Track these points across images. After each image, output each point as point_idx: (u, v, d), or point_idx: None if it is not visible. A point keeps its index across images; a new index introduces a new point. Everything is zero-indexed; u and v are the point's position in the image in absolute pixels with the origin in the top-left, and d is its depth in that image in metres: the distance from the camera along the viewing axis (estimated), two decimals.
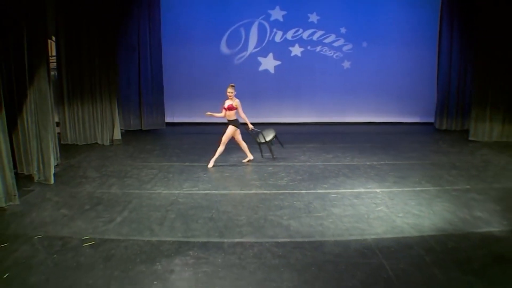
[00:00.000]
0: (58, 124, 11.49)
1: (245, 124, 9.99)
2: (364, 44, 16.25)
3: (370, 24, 16.06)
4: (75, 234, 6.04)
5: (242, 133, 10.07)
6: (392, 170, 9.59)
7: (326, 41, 16.20)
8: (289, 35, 16.12)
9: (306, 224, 6.48)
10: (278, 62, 16.26)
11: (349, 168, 9.72)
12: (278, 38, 16.12)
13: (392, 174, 9.26)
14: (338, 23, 16.09)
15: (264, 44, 16.14)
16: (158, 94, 14.85)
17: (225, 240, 5.89)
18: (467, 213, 6.93)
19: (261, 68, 16.29)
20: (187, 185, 8.42)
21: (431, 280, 4.86)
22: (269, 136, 10.43)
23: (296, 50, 16.21)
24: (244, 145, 10.12)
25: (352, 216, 6.78)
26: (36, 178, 8.59)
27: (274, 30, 16.06)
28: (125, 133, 13.43)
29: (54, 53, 12.24)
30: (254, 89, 15.93)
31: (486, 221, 6.66)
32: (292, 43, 16.19)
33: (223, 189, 8.32)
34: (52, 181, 8.50)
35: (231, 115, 9.79)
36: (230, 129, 9.77)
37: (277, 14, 15.97)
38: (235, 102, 9.72)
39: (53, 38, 12.07)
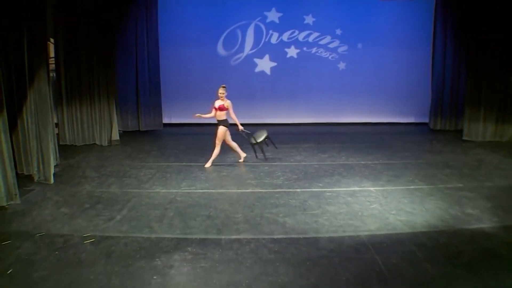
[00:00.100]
0: (56, 125, 11.58)
1: (235, 125, 10.06)
2: (359, 46, 16.46)
3: (365, 26, 16.24)
4: (76, 232, 6.17)
5: (232, 134, 10.19)
6: (386, 169, 9.75)
7: (322, 42, 16.39)
8: (285, 36, 16.30)
9: (301, 221, 6.63)
10: (274, 64, 16.43)
11: (344, 168, 9.88)
12: (274, 39, 16.29)
13: (386, 173, 9.42)
14: (334, 24, 16.28)
15: (260, 45, 16.31)
16: (155, 95, 14.97)
17: (223, 237, 6.04)
18: (459, 210, 7.09)
19: (257, 69, 16.45)
20: (185, 184, 8.55)
21: (422, 274, 5.01)
22: (261, 137, 10.48)
23: (292, 52, 16.39)
24: (234, 145, 10.21)
25: (346, 214, 6.93)
26: (36, 178, 8.69)
27: (270, 31, 16.23)
28: (123, 134, 13.55)
29: (52, 55, 12.35)
30: (250, 90, 16.15)
31: (477, 218, 6.81)
32: (288, 44, 16.37)
33: (220, 188, 8.46)
34: (52, 181, 8.61)
35: (222, 115, 9.86)
36: (221, 129, 9.85)
37: (273, 16, 16.14)
38: (227, 103, 9.81)
39: (51, 40, 12.16)
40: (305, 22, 16.24)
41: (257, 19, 16.15)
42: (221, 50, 16.23)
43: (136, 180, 8.85)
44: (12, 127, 8.13)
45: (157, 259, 5.33)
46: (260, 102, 16.27)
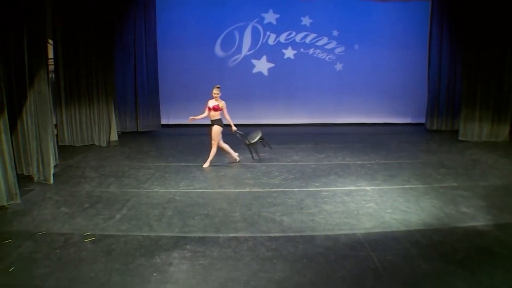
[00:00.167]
0: (55, 125, 11.63)
1: (229, 125, 10.13)
2: (356, 47, 16.57)
3: (361, 27, 16.34)
4: (76, 231, 6.25)
5: (227, 134, 10.26)
6: (382, 169, 9.86)
7: (319, 43, 16.50)
8: (282, 38, 16.39)
9: (298, 220, 6.74)
10: (272, 65, 16.52)
11: (341, 167, 9.98)
12: (271, 41, 16.39)
13: (382, 172, 9.53)
14: (330, 26, 16.39)
15: (257, 46, 16.40)
16: (153, 96, 15.03)
17: (221, 235, 6.14)
18: (454, 209, 7.20)
19: (254, 70, 16.55)
20: (184, 184, 8.65)
21: (416, 270, 5.13)
22: (255, 138, 10.51)
23: (289, 53, 16.49)
24: (225, 147, 10.24)
25: (343, 212, 7.04)
26: (35, 178, 8.75)
27: (268, 33, 16.33)
28: (122, 135, 13.61)
29: (51, 56, 12.41)
30: (248, 91, 16.25)
31: (472, 216, 6.92)
32: (285, 45, 16.46)
33: (218, 188, 8.56)
34: (52, 181, 8.68)
35: (216, 115, 9.92)
36: (216, 129, 9.91)
37: (270, 17, 16.23)
38: (221, 103, 9.87)
39: (50, 41, 12.22)
40: (302, 23, 16.34)
41: (254, 21, 16.25)
42: (219, 51, 16.31)
43: (135, 180, 8.94)
44: (12, 127, 8.15)
45: (156, 257, 5.42)
46: (258, 103, 16.36)
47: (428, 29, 15.84)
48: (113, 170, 9.73)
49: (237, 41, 16.33)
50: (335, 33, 16.43)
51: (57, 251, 5.59)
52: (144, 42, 14.62)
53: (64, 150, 11.38)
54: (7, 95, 7.39)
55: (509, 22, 12.68)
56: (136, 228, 6.38)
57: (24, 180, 8.52)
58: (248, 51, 16.42)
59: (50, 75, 10.94)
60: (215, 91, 9.85)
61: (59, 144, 11.80)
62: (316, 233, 6.21)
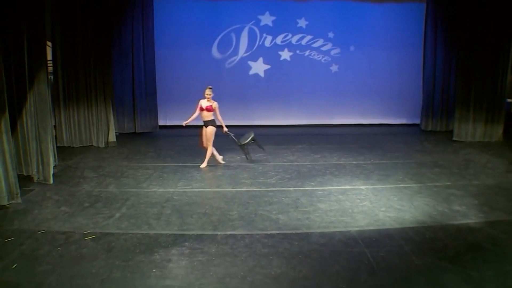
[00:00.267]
0: (54, 126, 11.69)
1: (221, 126, 10.20)
2: (352, 48, 16.67)
3: (357, 29, 16.45)
4: (77, 229, 6.37)
5: (219, 136, 10.30)
6: (377, 168, 10.01)
7: (315, 45, 16.60)
8: (279, 39, 16.48)
9: (294, 218, 6.88)
10: (268, 66, 16.61)
11: (336, 167, 10.13)
12: (268, 42, 16.48)
13: (377, 172, 9.68)
14: (326, 28, 16.49)
15: (254, 48, 16.49)
16: (151, 97, 15.11)
17: (218, 233, 6.28)
18: (446, 207, 7.37)
19: (251, 72, 16.64)
20: (181, 184, 8.77)
21: (409, 266, 5.28)
22: (247, 139, 10.54)
23: (286, 55, 16.59)
24: (212, 149, 10.26)
25: (337, 211, 7.18)
26: (35, 179, 8.81)
27: (264, 35, 16.42)
28: (119, 136, 13.65)
29: (49, 58, 12.47)
30: (244, 92, 16.36)
31: (464, 214, 7.09)
32: (281, 47, 16.55)
33: (215, 187, 8.68)
34: (51, 181, 8.77)
35: (209, 116, 9.99)
36: (211, 129, 10.00)
37: (266, 19, 16.33)
38: (214, 104, 9.95)
39: (48, 43, 12.30)
40: (298, 25, 16.44)
41: (251, 23, 16.35)
42: (215, 53, 16.41)
43: (134, 180, 9.05)
44: (12, 128, 8.20)
45: (156, 254, 5.56)
46: (254, 104, 16.46)
47: (423, 30, 16.00)
48: (112, 171, 9.83)
49: (233, 43, 16.43)
50: (330, 35, 16.54)
51: (59, 248, 5.70)
52: (142, 44, 14.69)
53: (62, 151, 11.44)
54: (7, 96, 7.47)
55: (501, 24, 12.85)
56: (136, 226, 6.50)
57: (24, 180, 8.57)
58: (245, 53, 16.52)
59: (49, 77, 11.04)
60: (208, 91, 9.92)
61: (58, 145, 11.81)
62: (311, 231, 6.36)
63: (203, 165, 10.10)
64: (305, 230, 6.38)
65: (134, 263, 5.30)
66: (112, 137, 12.73)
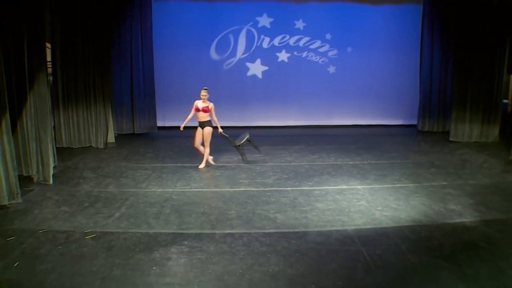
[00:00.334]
0: (53, 127, 11.72)
1: (216, 127, 10.26)
2: (349, 50, 16.81)
3: (354, 30, 16.59)
4: (77, 228, 6.44)
5: (213, 136, 10.30)
6: (374, 169, 10.09)
7: (312, 47, 16.74)
8: (276, 41, 16.60)
9: (292, 217, 6.96)
10: (266, 68, 16.73)
11: (333, 168, 10.21)
12: (265, 44, 16.59)
13: (374, 172, 9.77)
14: (323, 29, 16.63)
15: (252, 50, 16.61)
16: (150, 98, 15.18)
17: (217, 232, 6.35)
18: (442, 206, 7.45)
19: (249, 73, 16.75)
20: (180, 184, 8.84)
21: (405, 263, 5.36)
22: (242, 139, 10.61)
23: (283, 56, 16.71)
24: (202, 149, 10.25)
25: (334, 210, 7.26)
26: (35, 179, 8.86)
27: (262, 36, 16.53)
28: (118, 137, 13.70)
29: (49, 59, 12.52)
30: (242, 93, 16.47)
31: (459, 213, 7.17)
32: (279, 49, 16.68)
33: (214, 187, 8.76)
34: (51, 181, 8.82)
35: (205, 116, 10.05)
36: (208, 129, 10.05)
37: (264, 21, 16.44)
38: (210, 105, 10.02)
39: (48, 45, 12.34)
40: (296, 27, 16.57)
41: (248, 24, 16.45)
42: (214, 55, 16.50)
43: (133, 180, 9.12)
44: (12, 129, 8.24)
45: (155, 252, 5.63)
46: (252, 105, 16.57)
47: (420, 31, 16.12)
48: (111, 171, 9.90)
49: (231, 45, 16.52)
50: (328, 36, 16.66)
51: (59, 247, 5.77)
52: (140, 45, 14.76)
53: (61, 152, 11.49)
54: (7, 97, 7.53)
55: (497, 25, 12.95)
56: (135, 226, 6.57)
57: (24, 180, 8.60)
58: (243, 54, 16.62)
59: (48, 78, 11.08)
60: (203, 92, 9.97)
61: (57, 146, 11.85)
62: (309, 229, 6.44)
63: (202, 165, 10.18)
64: (302, 229, 6.46)
65: (134, 261, 5.37)
66: (111, 138, 12.79)
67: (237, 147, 10.64)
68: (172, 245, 5.84)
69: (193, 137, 10.20)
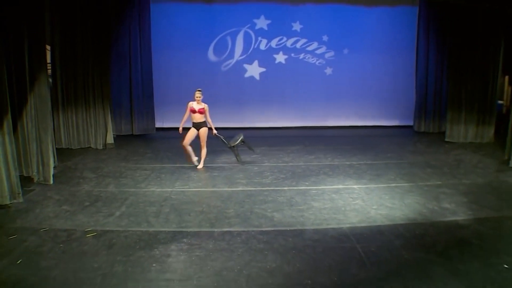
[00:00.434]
0: (53, 128, 11.83)
1: (210, 128, 10.36)
2: (346, 51, 16.87)
3: (351, 32, 16.66)
4: (78, 227, 6.57)
5: (208, 137, 10.40)
6: (370, 169, 10.23)
7: (309, 48, 16.80)
8: (274, 43, 16.67)
9: (289, 215, 7.11)
10: (263, 69, 16.80)
11: (330, 168, 10.35)
12: (263, 46, 16.66)
13: (370, 172, 9.91)
14: (320, 31, 16.69)
15: (249, 52, 16.67)
16: (148, 100, 15.20)
17: (215, 230, 6.50)
18: (436, 205, 7.62)
19: (246, 75, 16.83)
20: (179, 184, 8.97)
21: (399, 260, 5.52)
22: (236, 140, 10.67)
23: (280, 58, 16.78)
24: (189, 149, 10.31)
25: (331, 209, 7.41)
26: (35, 179, 8.95)
27: (259, 38, 16.60)
28: (117, 138, 13.72)
29: (48, 60, 12.57)
30: (240, 95, 16.54)
31: (453, 211, 7.33)
32: (276, 50, 16.74)
33: (212, 187, 8.88)
34: (52, 181, 8.91)
35: (201, 118, 10.17)
36: (205, 130, 10.19)
37: (262, 23, 16.51)
38: (206, 106, 10.15)
39: (47, 47, 12.41)
40: (293, 29, 16.64)
41: (246, 26, 16.52)
42: (211, 56, 16.58)
43: (132, 180, 9.24)
44: (13, 129, 8.30)
45: (155, 249, 5.77)
46: (250, 107, 16.64)
47: (415, 33, 16.21)
48: (111, 171, 10.00)
49: (229, 46, 16.60)
50: (325, 38, 16.75)
51: (61, 245, 5.90)
52: (139, 47, 14.79)
53: (61, 153, 11.52)
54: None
55: (492, 26, 13.08)
56: (135, 224, 6.71)
57: (24, 180, 8.66)
58: (240, 56, 16.70)
59: (48, 79, 11.16)
60: (197, 94, 10.08)
61: (56, 147, 11.93)
62: (305, 227, 6.59)
63: (200, 166, 10.30)
64: (299, 227, 6.61)
65: (134, 258, 5.51)
66: (110, 139, 12.86)
67: (232, 148, 10.75)
68: (172, 243, 5.98)
69: (184, 136, 10.25)
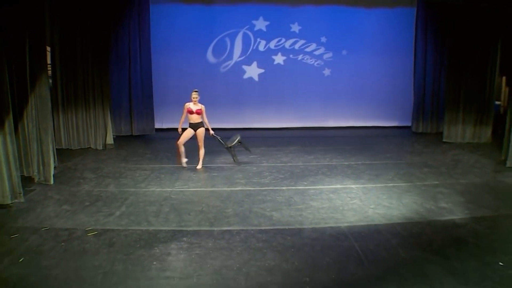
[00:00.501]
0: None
1: (207, 129, 10.44)
2: (344, 52, 16.95)
3: (349, 33, 16.73)
4: (79, 226, 6.63)
5: (205, 138, 10.49)
6: (368, 169, 10.30)
7: (308, 49, 16.88)
8: (272, 44, 16.74)
9: (287, 214, 7.18)
10: (262, 70, 16.87)
11: (328, 168, 10.42)
12: (261, 47, 16.72)
13: (368, 172, 9.98)
14: (319, 32, 16.77)
15: (248, 53, 16.74)
16: (147, 101, 15.24)
17: (215, 229, 6.57)
18: (433, 204, 7.69)
19: (245, 76, 16.89)
20: (179, 184, 9.03)
21: (396, 258, 5.59)
22: (233, 141, 10.74)
23: (279, 59, 16.85)
24: (183, 149, 10.36)
25: (329, 208, 7.48)
26: (36, 179, 9.01)
27: (258, 39, 16.66)
28: (117, 138, 13.79)
29: (48, 61, 12.61)
30: (239, 96, 16.60)
31: (450, 210, 7.41)
32: (275, 52, 16.81)
33: (211, 187, 8.93)
34: (52, 182, 8.96)
35: (198, 118, 10.24)
36: (202, 130, 10.28)
37: (260, 24, 16.58)
38: (203, 107, 10.25)
39: (47, 48, 12.45)
40: (292, 30, 16.71)
41: (245, 28, 16.58)
42: (210, 58, 16.63)
43: (132, 180, 9.30)
44: (14, 130, 8.41)
45: (155, 248, 5.84)
46: (248, 108, 16.70)
47: (413, 34, 16.31)
48: (111, 171, 10.06)
49: (228, 48, 16.67)
50: (323, 39, 16.82)
51: (62, 244, 5.97)
52: (138, 47, 14.83)
53: (61, 153, 11.56)
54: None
55: (490, 27, 13.15)
56: (135, 223, 6.77)
57: (25, 181, 8.69)
58: (239, 57, 16.75)
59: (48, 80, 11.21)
60: (194, 95, 10.18)
61: (56, 147, 11.98)
62: (304, 226, 6.66)
63: (199, 166, 10.36)
64: (297, 226, 6.68)
65: (135, 257, 5.58)
66: (110, 140, 12.92)
67: (229, 149, 10.80)
68: (172, 242, 6.05)
69: (180, 135, 10.31)
